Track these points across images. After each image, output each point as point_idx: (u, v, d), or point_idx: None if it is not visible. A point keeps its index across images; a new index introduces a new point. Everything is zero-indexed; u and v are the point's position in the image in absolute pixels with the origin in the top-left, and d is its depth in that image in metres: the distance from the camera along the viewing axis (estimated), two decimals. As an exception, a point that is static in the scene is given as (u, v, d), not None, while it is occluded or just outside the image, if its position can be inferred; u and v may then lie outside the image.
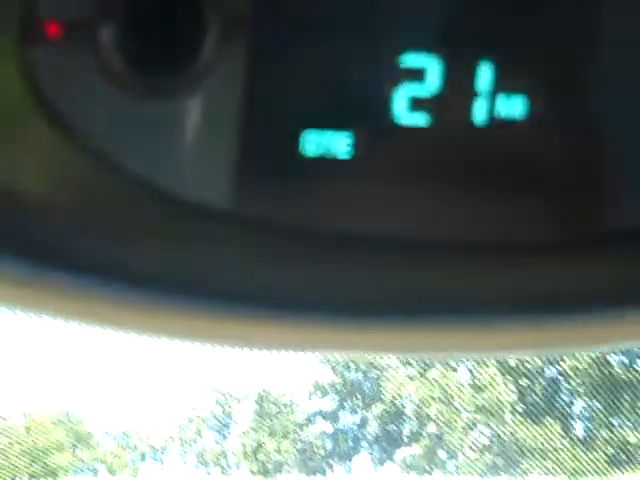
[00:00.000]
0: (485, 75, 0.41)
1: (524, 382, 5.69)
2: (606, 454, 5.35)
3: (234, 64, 0.40)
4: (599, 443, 5.43)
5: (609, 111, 0.42)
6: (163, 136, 0.41)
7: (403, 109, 0.41)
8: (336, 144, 0.41)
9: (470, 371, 5.85)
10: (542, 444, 5.47)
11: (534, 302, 0.41)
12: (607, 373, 5.32)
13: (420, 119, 0.41)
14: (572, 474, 5.24)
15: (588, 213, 0.43)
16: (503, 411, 5.72)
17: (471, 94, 0.41)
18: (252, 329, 0.39)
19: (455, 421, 5.84)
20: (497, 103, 0.41)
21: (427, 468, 5.83)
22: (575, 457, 5.40)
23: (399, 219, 0.42)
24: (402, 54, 0.40)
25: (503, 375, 5.71)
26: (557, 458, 5.44)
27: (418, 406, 5.97)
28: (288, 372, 6.46)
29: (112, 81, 0.39)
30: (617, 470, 5.23)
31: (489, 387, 5.77)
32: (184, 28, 0.39)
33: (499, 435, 5.74)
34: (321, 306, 0.39)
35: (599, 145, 0.43)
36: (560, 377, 5.54)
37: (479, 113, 0.41)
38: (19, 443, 5.14)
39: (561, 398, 5.69)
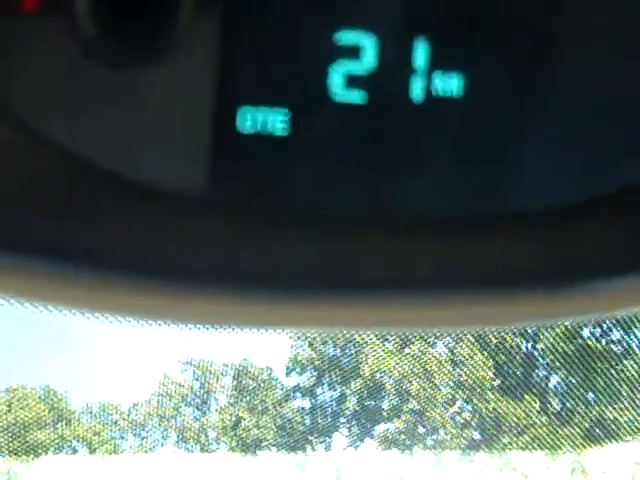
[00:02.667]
0: (421, 52, 0.41)
1: (501, 358, 5.73)
2: (582, 429, 5.41)
3: (206, 38, 0.40)
4: (575, 418, 5.49)
5: (543, 88, 0.43)
6: (123, 112, 0.41)
7: (339, 86, 0.41)
8: (273, 121, 0.41)
9: (448, 347, 5.89)
10: (520, 419, 5.52)
11: (475, 277, 0.41)
12: (583, 349, 5.37)
13: (356, 96, 0.41)
14: (550, 449, 5.30)
15: (522, 188, 0.44)
16: (481, 387, 5.76)
17: (407, 71, 0.41)
18: (189, 306, 0.40)
19: (435, 397, 5.88)
20: (433, 80, 0.41)
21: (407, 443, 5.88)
22: (552, 432, 5.46)
23: (336, 196, 0.42)
24: (338, 31, 0.40)
25: (481, 351, 5.75)
26: (534, 434, 5.50)
27: (397, 382, 6.01)
28: (266, 348, 6.47)
29: (85, 51, 0.39)
30: (593, 444, 5.30)
31: (467, 362, 5.81)
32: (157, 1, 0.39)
33: (478, 411, 5.79)
34: (254, 282, 0.39)
35: (533, 120, 0.43)
36: (536, 352, 5.58)
37: (415, 90, 0.41)
38: (0, 419, 5.14)
39: (537, 374, 5.73)
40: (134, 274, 0.39)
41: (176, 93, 0.41)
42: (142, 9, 0.39)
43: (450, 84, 0.41)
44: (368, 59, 0.41)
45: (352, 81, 0.41)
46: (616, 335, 5.51)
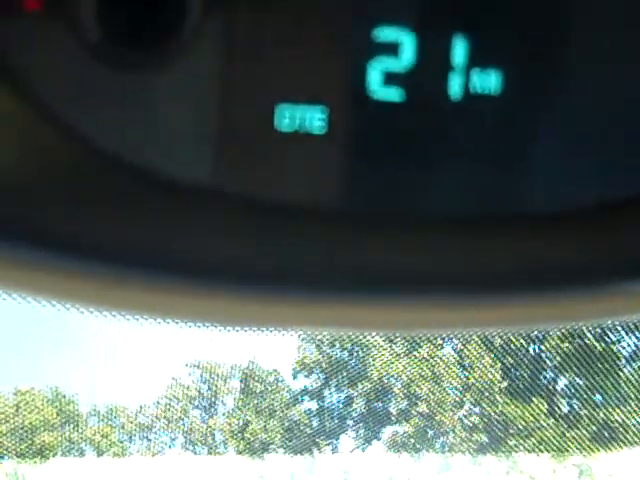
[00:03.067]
0: (460, 49, 0.41)
1: (509, 360, 5.72)
2: (589, 432, 5.40)
3: (214, 40, 0.40)
4: (583, 421, 5.47)
5: (579, 88, 0.43)
6: (137, 112, 0.40)
7: (377, 83, 0.41)
8: (310, 119, 0.40)
9: (455, 350, 5.88)
10: (527, 422, 5.51)
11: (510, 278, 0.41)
12: (589, 351, 5.36)
13: (394, 94, 0.41)
14: (557, 451, 5.28)
15: (554, 186, 0.43)
16: (489, 389, 5.75)
17: (446, 69, 0.41)
18: (222, 304, 0.39)
19: (444, 400, 5.87)
20: (472, 78, 0.41)
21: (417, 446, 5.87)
22: (559, 435, 5.45)
23: (372, 194, 0.42)
24: (376, 28, 0.40)
25: (489, 354, 5.74)
26: (541, 436, 5.48)
27: (405, 385, 6.00)
28: (273, 350, 6.47)
29: (90, 53, 0.39)
30: (601, 448, 5.28)
31: (475, 365, 5.80)
32: (165, 2, 0.39)
33: (486, 413, 5.78)
34: (302, 281, 0.39)
35: (572, 120, 0.43)
36: (544, 355, 5.57)
37: (453, 88, 0.41)
38: (7, 421, 5.14)
39: (545, 376, 5.72)
40: (150, 270, 0.38)
41: (189, 91, 0.41)
42: (148, 10, 0.39)
43: (488, 81, 0.41)
44: (406, 56, 0.40)
45: (390, 78, 0.40)
46: (624, 337, 5.50)
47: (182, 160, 0.40)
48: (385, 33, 0.40)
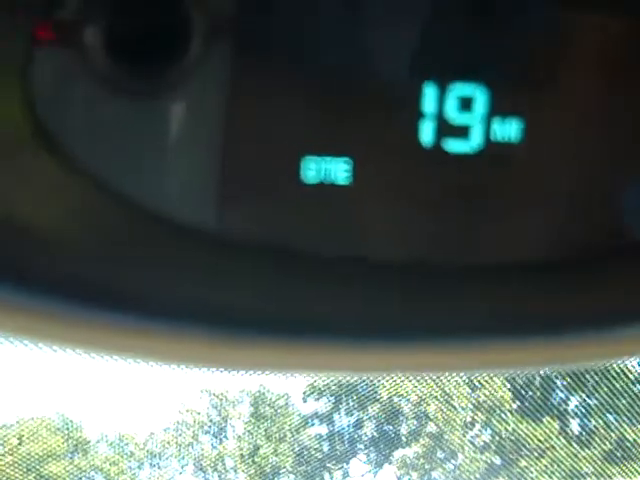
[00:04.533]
0: (480, 99, 0.41)
1: (520, 380, 5.70)
2: (603, 451, 5.37)
3: (220, 67, 0.40)
4: (596, 440, 5.44)
5: (601, 131, 0.43)
6: (149, 148, 0.41)
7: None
8: (335, 170, 0.41)
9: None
10: (539, 442, 5.48)
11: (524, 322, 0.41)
12: (603, 369, 5.33)
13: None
14: (570, 472, 5.25)
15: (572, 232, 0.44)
16: (500, 409, 5.73)
17: (466, 118, 0.41)
18: (239, 352, 0.40)
19: (454, 420, 5.85)
20: (492, 126, 0.41)
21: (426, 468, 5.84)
22: (572, 455, 5.41)
23: (397, 244, 0.42)
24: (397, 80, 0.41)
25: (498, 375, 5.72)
26: (554, 456, 5.45)
27: (415, 406, 5.98)
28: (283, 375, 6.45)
29: (100, 84, 0.40)
30: (614, 467, 5.25)
31: (485, 385, 5.78)
32: (170, 29, 0.40)
33: (497, 433, 5.75)
34: (320, 329, 0.39)
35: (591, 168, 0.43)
36: (555, 374, 5.55)
37: (475, 138, 0.41)
38: (11, 453, 5.11)
39: (557, 395, 5.70)
40: (180, 319, 0.39)
41: (193, 123, 0.41)
42: (154, 40, 0.40)
43: (509, 130, 0.42)
44: (429, 108, 0.41)
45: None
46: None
47: (190, 204, 0.41)
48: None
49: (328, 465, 5.85)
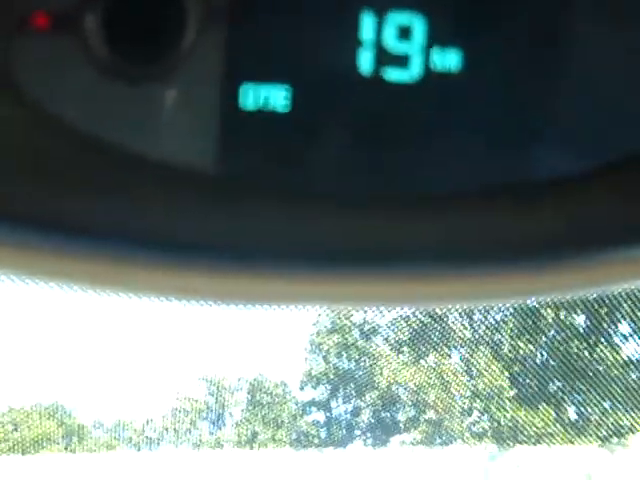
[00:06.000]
0: (419, 29, 0.42)
1: (517, 368, 5.71)
2: (599, 437, 5.38)
3: (214, 51, 0.41)
4: (591, 427, 5.46)
5: (542, 59, 0.43)
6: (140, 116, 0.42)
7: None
8: (275, 97, 0.41)
9: (463, 358, 5.87)
10: (536, 429, 5.49)
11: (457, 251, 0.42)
12: (597, 357, 5.34)
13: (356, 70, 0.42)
14: (564, 457, 5.26)
15: (522, 159, 0.44)
16: (498, 396, 5.74)
17: (405, 47, 0.42)
18: (193, 280, 0.40)
19: (452, 407, 5.86)
20: (432, 57, 0.42)
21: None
22: (568, 441, 5.43)
23: (337, 173, 0.43)
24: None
25: (496, 361, 5.73)
26: (550, 442, 5.47)
27: (413, 393, 5.99)
28: (280, 362, 6.47)
29: (97, 68, 0.40)
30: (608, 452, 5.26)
31: (483, 373, 5.79)
32: (166, 15, 0.40)
33: (495, 420, 5.76)
34: (256, 257, 0.40)
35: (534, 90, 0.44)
36: (552, 362, 5.55)
37: (414, 67, 0.42)
38: (6, 440, 5.12)
39: (553, 383, 5.71)
40: (137, 248, 0.39)
41: (187, 92, 0.42)
42: (150, 25, 0.40)
43: (449, 60, 0.42)
44: (367, 35, 0.41)
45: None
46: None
47: (179, 145, 0.41)
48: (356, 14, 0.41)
49: (325, 451, 5.86)
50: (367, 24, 0.41)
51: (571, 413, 5.68)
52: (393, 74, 0.41)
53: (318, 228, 0.42)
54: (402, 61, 0.41)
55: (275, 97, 0.41)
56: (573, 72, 0.43)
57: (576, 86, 0.43)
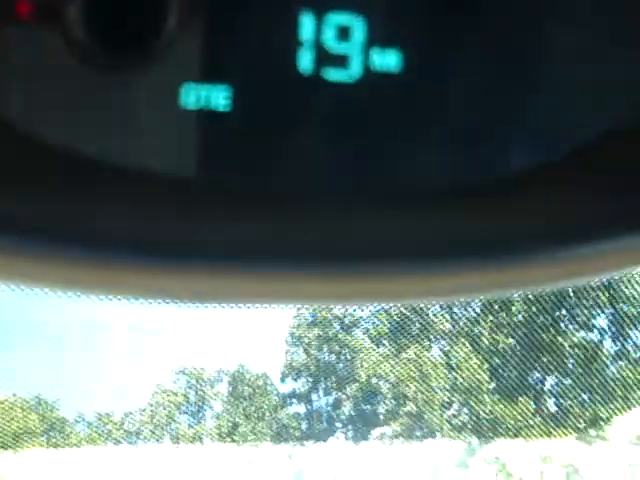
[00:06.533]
0: (359, 30, 0.42)
1: (496, 361, 5.73)
2: (578, 429, 5.41)
3: (194, 40, 0.41)
4: (571, 419, 5.49)
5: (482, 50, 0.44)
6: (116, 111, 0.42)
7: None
8: (216, 97, 0.42)
9: (443, 351, 5.89)
10: (516, 420, 5.52)
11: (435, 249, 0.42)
12: (577, 350, 5.37)
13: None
14: (544, 450, 5.29)
15: (467, 159, 0.45)
16: (477, 390, 5.76)
17: (345, 46, 0.42)
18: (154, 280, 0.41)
19: (432, 401, 5.88)
20: (371, 57, 0.42)
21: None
22: (546, 433, 5.46)
23: (276, 172, 0.43)
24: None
25: (476, 354, 5.75)
26: (529, 434, 5.50)
27: (393, 386, 6.01)
28: (260, 354, 6.47)
29: (78, 57, 0.40)
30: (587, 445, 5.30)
31: (463, 366, 5.82)
32: (146, 5, 0.41)
33: (474, 413, 5.79)
34: (198, 256, 0.40)
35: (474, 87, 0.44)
36: (531, 354, 5.58)
37: (354, 67, 0.42)
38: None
39: (533, 375, 5.74)
40: (123, 253, 0.40)
41: (160, 89, 0.42)
42: (131, 15, 0.41)
43: (388, 60, 0.42)
44: (307, 36, 0.42)
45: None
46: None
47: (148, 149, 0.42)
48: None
49: (306, 443, 5.87)
50: (307, 24, 0.41)
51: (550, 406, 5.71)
52: (333, 74, 0.42)
53: (275, 227, 0.42)
54: (342, 61, 0.42)
55: (216, 97, 0.41)
56: (513, 67, 0.44)
57: (523, 81, 0.44)
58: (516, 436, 5.54)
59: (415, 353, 5.77)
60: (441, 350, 5.88)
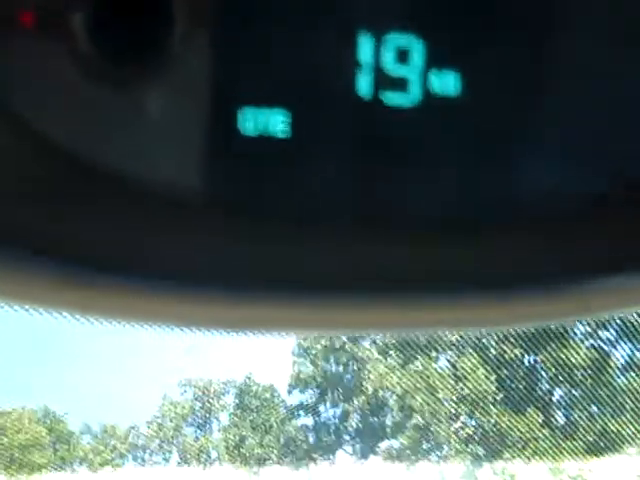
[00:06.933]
0: (417, 51, 0.41)
1: (504, 372, 5.72)
2: (586, 442, 5.39)
3: (201, 53, 0.40)
4: (579, 431, 5.47)
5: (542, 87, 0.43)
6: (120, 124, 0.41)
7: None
8: (274, 122, 0.41)
9: (450, 362, 5.88)
10: (523, 433, 5.50)
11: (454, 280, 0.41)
12: (584, 361, 5.36)
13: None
14: (552, 462, 5.27)
15: (521, 189, 0.44)
16: (484, 401, 5.75)
17: (405, 70, 0.41)
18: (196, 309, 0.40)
19: (439, 412, 5.87)
20: (430, 80, 0.41)
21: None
22: (555, 445, 5.44)
23: (332, 201, 0.42)
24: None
25: (483, 365, 5.74)
26: (537, 447, 5.48)
27: (400, 397, 6.00)
28: (268, 366, 6.47)
29: (82, 70, 0.40)
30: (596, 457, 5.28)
31: (470, 377, 5.81)
32: (152, 17, 0.40)
33: (481, 424, 5.77)
34: (274, 286, 0.39)
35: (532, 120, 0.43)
36: (539, 365, 5.57)
37: (413, 91, 0.41)
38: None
39: (540, 387, 5.72)
40: (131, 277, 0.39)
41: (175, 102, 0.41)
42: (137, 25, 0.40)
43: (447, 83, 0.42)
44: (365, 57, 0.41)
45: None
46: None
47: (170, 170, 0.41)
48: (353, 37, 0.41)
49: (314, 455, 5.86)
50: (365, 46, 0.40)
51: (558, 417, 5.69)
52: (392, 98, 0.41)
53: (317, 255, 0.41)
54: (401, 84, 0.41)
55: (273, 122, 0.40)
56: (574, 90, 0.43)
57: (577, 107, 0.43)
58: (524, 448, 5.53)
59: (422, 364, 5.76)
60: (448, 361, 5.87)
